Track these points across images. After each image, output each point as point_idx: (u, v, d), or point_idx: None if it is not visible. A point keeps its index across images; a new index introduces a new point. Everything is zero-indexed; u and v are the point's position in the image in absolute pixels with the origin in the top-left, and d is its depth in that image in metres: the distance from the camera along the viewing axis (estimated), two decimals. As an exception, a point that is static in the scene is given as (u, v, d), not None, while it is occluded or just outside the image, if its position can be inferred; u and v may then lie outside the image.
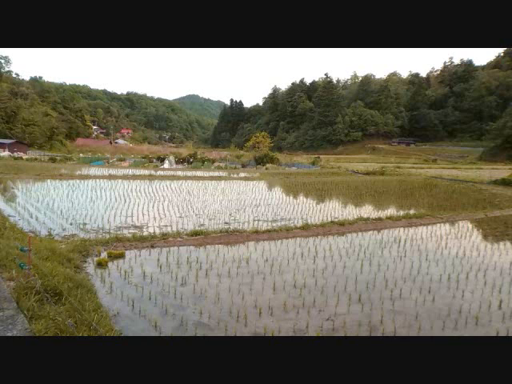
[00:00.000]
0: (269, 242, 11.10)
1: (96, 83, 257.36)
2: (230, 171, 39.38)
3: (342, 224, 13.50)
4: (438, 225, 14.82)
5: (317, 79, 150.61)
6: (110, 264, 8.41)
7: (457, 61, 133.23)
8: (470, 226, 15.10)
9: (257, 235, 11.62)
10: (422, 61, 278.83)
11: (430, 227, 14.27)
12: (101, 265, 8.26)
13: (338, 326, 6.02)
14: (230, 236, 11.36)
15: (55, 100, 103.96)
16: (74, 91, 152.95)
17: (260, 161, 51.47)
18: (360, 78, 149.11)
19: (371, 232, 13.07)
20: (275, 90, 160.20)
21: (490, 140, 78.81)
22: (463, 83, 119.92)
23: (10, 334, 4.21)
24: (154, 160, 52.36)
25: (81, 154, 63.75)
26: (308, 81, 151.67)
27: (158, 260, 8.90)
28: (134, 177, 28.97)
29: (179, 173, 34.08)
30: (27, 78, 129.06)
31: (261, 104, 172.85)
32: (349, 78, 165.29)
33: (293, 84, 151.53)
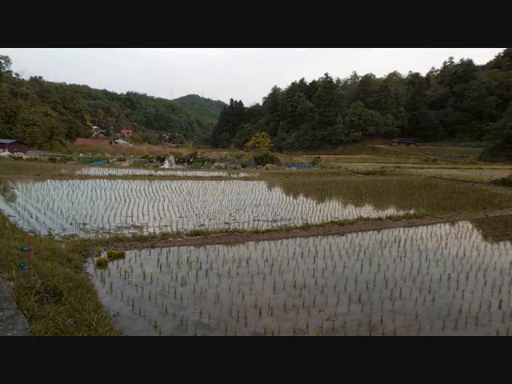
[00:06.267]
0: (269, 242, 11.10)
1: (96, 83, 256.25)
2: (229, 171, 39.33)
3: (341, 224, 13.50)
4: (438, 225, 14.81)
5: (317, 79, 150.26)
6: (109, 264, 8.41)
7: (457, 61, 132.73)
8: (470, 225, 15.10)
9: (257, 235, 11.62)
10: (422, 61, 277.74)
11: (430, 227, 14.27)
12: (101, 265, 8.26)
13: (338, 325, 6.03)
14: (230, 236, 11.36)
15: (55, 100, 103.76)
16: (74, 91, 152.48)
17: (260, 161, 51.39)
18: (360, 78, 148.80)
19: (371, 232, 13.06)
20: (275, 90, 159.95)
21: (489, 140, 78.67)
22: (463, 83, 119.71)
23: (9, 334, 4.21)
24: (154, 160, 52.29)
25: (81, 154, 63.67)
26: (308, 81, 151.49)
27: (158, 260, 8.90)
28: (134, 177, 28.96)
29: (179, 173, 34.05)
30: (27, 78, 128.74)
31: (261, 104, 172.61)
32: (349, 77, 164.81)
33: (293, 84, 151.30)
